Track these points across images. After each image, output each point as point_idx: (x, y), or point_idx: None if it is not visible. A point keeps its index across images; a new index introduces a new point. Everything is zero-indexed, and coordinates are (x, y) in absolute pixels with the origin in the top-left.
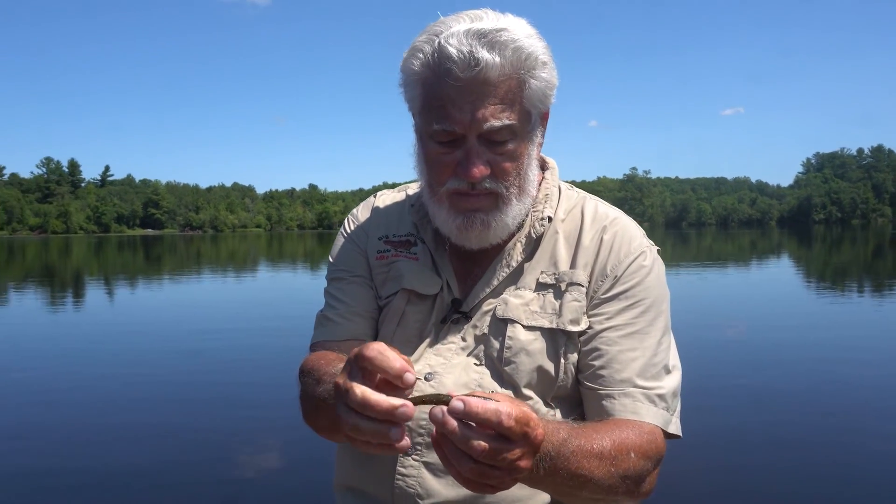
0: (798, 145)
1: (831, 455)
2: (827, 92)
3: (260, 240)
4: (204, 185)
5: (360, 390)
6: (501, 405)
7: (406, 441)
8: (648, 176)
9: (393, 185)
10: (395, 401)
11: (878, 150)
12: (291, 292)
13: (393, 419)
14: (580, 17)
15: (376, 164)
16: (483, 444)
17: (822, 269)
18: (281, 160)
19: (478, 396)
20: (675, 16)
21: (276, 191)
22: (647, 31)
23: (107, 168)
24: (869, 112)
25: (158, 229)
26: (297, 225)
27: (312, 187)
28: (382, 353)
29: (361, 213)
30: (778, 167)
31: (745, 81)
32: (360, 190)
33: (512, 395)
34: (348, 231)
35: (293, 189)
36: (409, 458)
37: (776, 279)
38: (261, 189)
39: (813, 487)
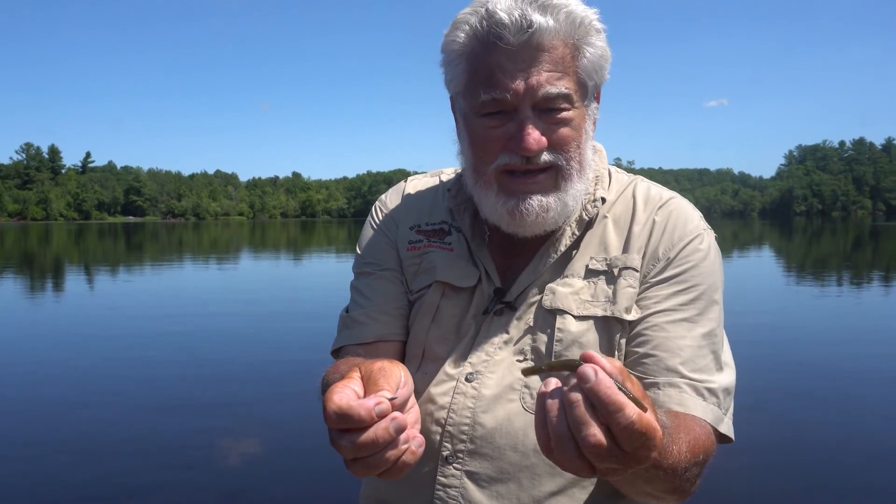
0: (781, 137)
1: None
2: (811, 84)
3: (243, 228)
4: (186, 172)
5: (334, 404)
6: (629, 409)
7: (419, 440)
8: (632, 167)
9: (377, 175)
10: (368, 401)
11: (860, 143)
12: (274, 280)
13: (374, 420)
14: None
15: (360, 152)
16: (600, 438)
17: (803, 259)
18: (264, 148)
19: (617, 371)
20: (658, 6)
21: (260, 178)
22: (629, 21)
23: (88, 154)
24: (853, 105)
25: (140, 217)
26: (280, 213)
27: (296, 175)
28: (340, 412)
29: (391, 199)
30: (761, 159)
31: (730, 73)
32: (344, 178)
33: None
34: (376, 220)
35: (276, 177)
36: (450, 466)
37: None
38: (244, 177)
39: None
